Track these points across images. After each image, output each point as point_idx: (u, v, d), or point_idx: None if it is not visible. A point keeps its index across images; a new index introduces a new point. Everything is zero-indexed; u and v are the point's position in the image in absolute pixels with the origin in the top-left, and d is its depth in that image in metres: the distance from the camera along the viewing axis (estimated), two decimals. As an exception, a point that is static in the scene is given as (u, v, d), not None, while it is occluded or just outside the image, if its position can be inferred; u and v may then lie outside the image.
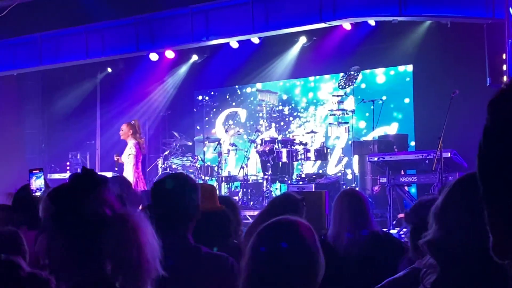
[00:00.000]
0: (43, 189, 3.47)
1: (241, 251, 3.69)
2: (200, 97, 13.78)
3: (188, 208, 2.78)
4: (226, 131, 12.61)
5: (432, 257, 1.68)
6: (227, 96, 13.81)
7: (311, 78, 12.86)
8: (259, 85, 13.07)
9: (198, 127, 13.78)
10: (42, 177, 3.55)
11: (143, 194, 6.40)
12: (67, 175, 11.83)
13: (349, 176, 11.34)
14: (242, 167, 11.43)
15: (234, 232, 3.88)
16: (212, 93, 13.79)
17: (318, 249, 1.93)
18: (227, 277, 2.68)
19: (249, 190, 11.06)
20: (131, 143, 9.57)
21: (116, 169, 10.10)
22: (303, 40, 11.79)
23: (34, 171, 3.56)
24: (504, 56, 8.48)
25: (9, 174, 11.79)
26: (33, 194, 3.47)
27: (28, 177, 3.52)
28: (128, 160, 9.52)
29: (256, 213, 9.51)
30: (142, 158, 9.85)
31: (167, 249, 2.29)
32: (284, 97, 13.01)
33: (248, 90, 13.50)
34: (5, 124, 13.31)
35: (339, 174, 11.19)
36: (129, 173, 9.43)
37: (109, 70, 13.54)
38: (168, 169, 11.90)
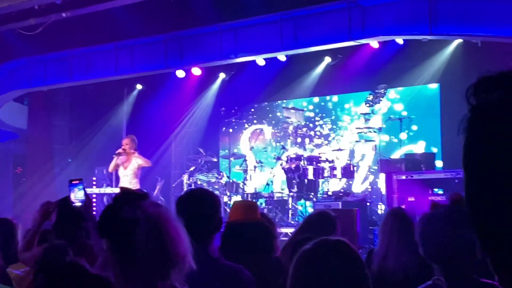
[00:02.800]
0: (84, 200, 3.31)
1: (281, 264, 3.56)
2: (225, 114, 13.58)
3: (211, 221, 2.82)
4: (251, 147, 12.44)
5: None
6: (253, 113, 13.68)
7: (338, 96, 12.71)
8: (284, 102, 12.93)
9: (223, 144, 13.64)
10: (83, 188, 3.36)
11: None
12: (93, 190, 11.68)
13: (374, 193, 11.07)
14: (267, 184, 11.27)
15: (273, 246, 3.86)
16: (237, 110, 13.54)
17: (365, 268, 1.95)
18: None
19: (274, 207, 10.86)
20: (137, 156, 9.63)
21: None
22: (329, 58, 11.67)
23: (74, 182, 3.37)
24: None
25: (38, 188, 11.74)
26: (73, 205, 3.31)
27: (68, 188, 3.34)
28: (135, 173, 9.59)
29: (282, 230, 9.39)
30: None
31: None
32: (310, 114, 12.84)
33: (274, 107, 13.36)
34: (35, 139, 13.36)
35: (366, 192, 10.90)
36: (134, 186, 9.43)
37: (138, 87, 13.52)
38: (193, 185, 11.78)
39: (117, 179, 12.88)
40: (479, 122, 0.70)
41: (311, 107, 12.91)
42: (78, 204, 3.31)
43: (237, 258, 3.10)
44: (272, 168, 11.58)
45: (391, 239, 3.95)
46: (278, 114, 13.22)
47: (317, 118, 12.84)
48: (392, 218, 4.12)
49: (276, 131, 13.23)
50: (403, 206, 9.84)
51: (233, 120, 12.79)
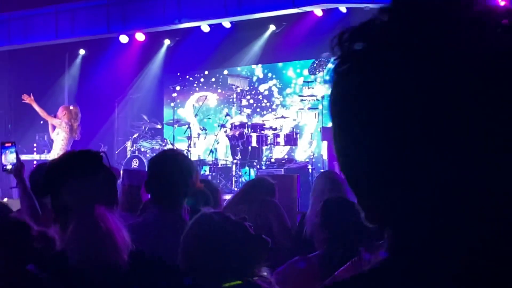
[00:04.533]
0: (15, 164, 3.26)
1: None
2: (169, 80, 13.41)
3: (183, 186, 2.75)
4: (195, 114, 12.35)
5: None
6: (197, 80, 13.49)
7: (282, 64, 12.63)
8: (229, 70, 12.83)
9: (167, 110, 13.46)
10: (15, 151, 3.31)
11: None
12: (34, 156, 11.50)
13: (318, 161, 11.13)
14: (211, 151, 11.19)
15: None
16: (182, 76, 13.45)
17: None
18: None
19: (218, 174, 10.85)
20: (63, 123, 9.59)
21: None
22: (273, 26, 11.59)
23: (6, 145, 3.29)
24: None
25: None
26: (4, 168, 3.27)
27: None
28: (57, 137, 9.65)
29: (226, 197, 9.35)
30: (72, 142, 9.88)
31: (163, 225, 2.59)
32: (254, 81, 12.77)
33: (218, 74, 13.21)
34: None
35: (308, 159, 10.93)
36: (57, 151, 9.50)
37: (81, 52, 13.20)
38: (136, 152, 11.66)
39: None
40: (344, 73, 0.71)
41: (256, 74, 12.83)
42: (9, 167, 3.24)
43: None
44: (216, 135, 11.49)
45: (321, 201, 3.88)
46: (223, 81, 13.09)
47: (261, 86, 12.77)
48: (323, 180, 4.15)
49: (220, 98, 13.12)
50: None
51: (178, 87, 12.66)
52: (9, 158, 3.27)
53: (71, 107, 9.80)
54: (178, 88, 12.61)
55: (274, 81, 12.68)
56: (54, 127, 9.72)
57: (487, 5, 0.66)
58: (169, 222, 2.65)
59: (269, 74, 12.74)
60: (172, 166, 2.77)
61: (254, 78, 12.79)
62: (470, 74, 0.63)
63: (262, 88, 12.75)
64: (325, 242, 2.95)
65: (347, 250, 2.73)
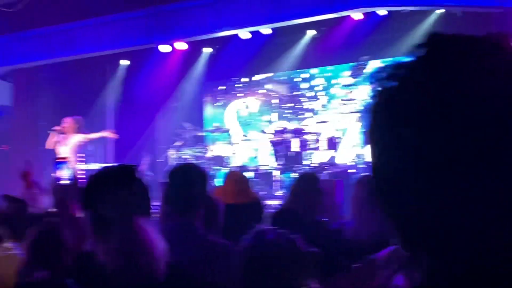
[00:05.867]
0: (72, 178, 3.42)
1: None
2: (210, 88, 13.66)
3: (198, 196, 2.87)
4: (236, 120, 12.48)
5: None
6: (238, 87, 13.63)
7: (322, 69, 12.67)
8: (269, 76, 12.97)
9: (208, 118, 13.64)
10: (68, 166, 3.51)
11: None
12: (81, 165, 11.72)
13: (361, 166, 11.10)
14: (254, 157, 11.41)
15: None
16: (223, 84, 13.64)
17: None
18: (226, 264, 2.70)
19: (260, 180, 10.81)
20: (79, 137, 9.94)
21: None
22: (313, 31, 11.64)
23: (59, 160, 3.52)
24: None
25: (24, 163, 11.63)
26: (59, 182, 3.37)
27: (55, 166, 3.47)
28: (72, 150, 9.75)
29: (269, 202, 9.43)
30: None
31: (175, 234, 2.66)
32: (294, 87, 12.85)
33: (259, 80, 13.34)
34: (20, 116, 13.32)
35: (350, 163, 10.90)
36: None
37: (123, 62, 13.46)
38: (179, 160, 11.73)
39: (105, 155, 13.03)
40: (380, 106, 0.79)
41: (296, 79, 12.90)
42: (66, 181, 3.36)
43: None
44: (257, 141, 11.58)
45: (361, 208, 3.82)
46: (264, 87, 13.21)
47: (302, 91, 12.83)
48: (359, 187, 4.03)
49: (261, 104, 13.22)
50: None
51: (219, 94, 12.82)
52: (65, 172, 3.43)
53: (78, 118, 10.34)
54: (219, 95, 12.78)
55: (314, 86, 12.72)
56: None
57: None
58: (185, 231, 2.79)
59: (309, 79, 12.79)
60: (187, 178, 2.90)
61: (294, 83, 12.85)
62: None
63: (303, 93, 12.82)
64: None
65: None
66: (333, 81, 12.44)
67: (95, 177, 2.10)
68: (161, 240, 1.96)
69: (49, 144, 9.92)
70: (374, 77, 0.81)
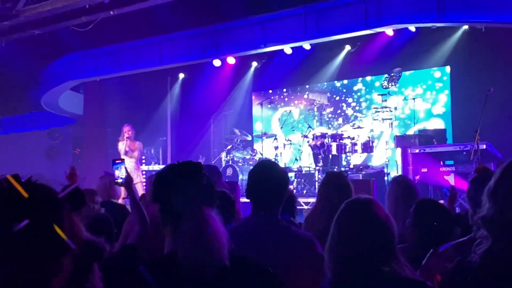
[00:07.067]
0: (125, 178, 3.60)
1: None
2: (258, 98, 14.05)
3: (281, 192, 2.81)
4: (281, 126, 12.75)
5: (485, 230, 1.74)
6: (282, 96, 14.06)
7: (357, 80, 13.05)
8: (310, 86, 13.30)
9: (256, 124, 14.10)
10: (124, 167, 3.62)
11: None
12: (142, 167, 12.20)
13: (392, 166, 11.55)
14: (296, 160, 11.72)
15: None
16: (269, 94, 14.05)
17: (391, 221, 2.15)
18: (311, 255, 2.70)
19: (302, 180, 11.30)
20: (138, 144, 10.54)
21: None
22: (349, 46, 12.04)
23: (117, 161, 3.65)
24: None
25: (95, 165, 12.44)
26: (116, 180, 3.61)
27: (112, 167, 3.62)
28: (135, 158, 10.38)
29: (310, 200, 9.88)
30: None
31: (260, 227, 2.71)
32: (333, 96, 13.21)
33: (300, 90, 13.74)
34: (90, 123, 13.87)
35: (384, 165, 11.39)
36: (134, 172, 10.16)
37: (181, 75, 14.05)
38: (230, 162, 12.23)
39: (164, 158, 13.59)
40: None
41: (334, 89, 13.27)
42: (120, 180, 3.58)
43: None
44: (299, 145, 11.97)
45: (396, 205, 3.95)
46: (305, 96, 13.58)
47: (340, 99, 13.19)
48: (396, 185, 4.12)
49: (303, 111, 13.56)
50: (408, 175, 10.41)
51: (265, 103, 13.24)
52: (120, 172, 3.57)
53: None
54: (265, 104, 13.21)
55: (351, 95, 13.11)
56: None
57: None
58: (268, 226, 2.73)
59: (346, 89, 13.18)
60: (270, 175, 2.81)
61: (332, 93, 13.25)
62: None
63: (341, 101, 13.20)
64: (412, 238, 3.13)
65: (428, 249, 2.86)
66: (368, 91, 12.87)
67: (164, 172, 2.10)
68: (225, 230, 1.96)
69: (120, 149, 10.66)
70: None
